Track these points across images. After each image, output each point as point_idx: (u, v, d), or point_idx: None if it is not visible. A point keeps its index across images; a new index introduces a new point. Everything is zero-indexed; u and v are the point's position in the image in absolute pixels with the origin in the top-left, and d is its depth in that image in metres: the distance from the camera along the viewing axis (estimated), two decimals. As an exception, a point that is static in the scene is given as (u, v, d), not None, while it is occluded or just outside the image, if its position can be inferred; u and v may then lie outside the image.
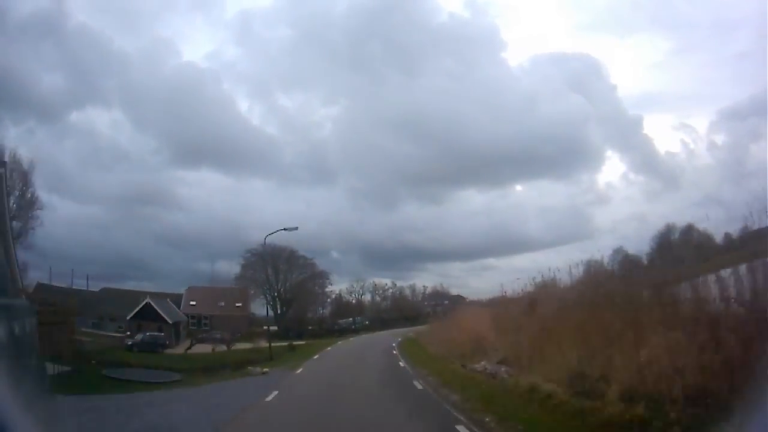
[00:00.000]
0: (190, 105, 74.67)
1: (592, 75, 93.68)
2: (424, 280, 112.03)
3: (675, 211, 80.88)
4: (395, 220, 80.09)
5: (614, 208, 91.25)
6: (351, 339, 47.61)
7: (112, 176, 65.37)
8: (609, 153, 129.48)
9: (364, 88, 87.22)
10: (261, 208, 74.53)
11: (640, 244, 72.83)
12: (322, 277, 58.37)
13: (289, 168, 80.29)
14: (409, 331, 44.30)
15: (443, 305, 61.46)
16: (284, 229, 32.91)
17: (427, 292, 70.67)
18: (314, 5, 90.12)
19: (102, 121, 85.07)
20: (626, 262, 21.37)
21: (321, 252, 73.58)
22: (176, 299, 44.08)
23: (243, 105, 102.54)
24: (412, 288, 68.55)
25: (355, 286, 67.33)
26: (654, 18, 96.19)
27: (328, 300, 62.40)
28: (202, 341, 37.42)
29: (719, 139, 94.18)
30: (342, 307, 64.30)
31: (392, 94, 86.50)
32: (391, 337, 40.51)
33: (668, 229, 51.17)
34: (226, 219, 69.53)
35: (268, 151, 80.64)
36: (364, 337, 48.46)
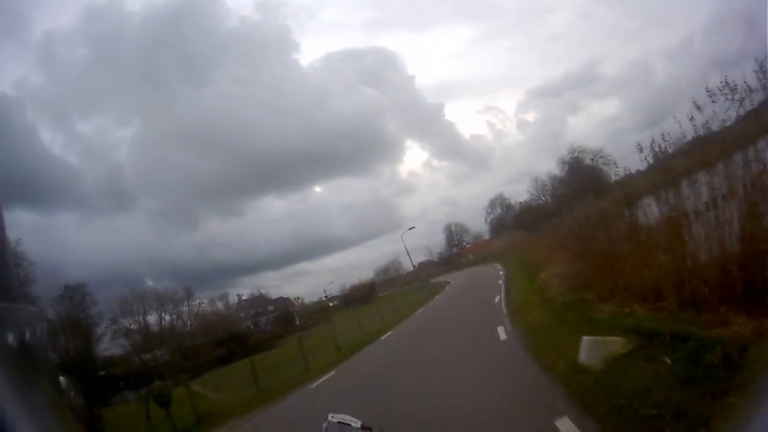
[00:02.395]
0: None
1: (388, 68, 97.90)
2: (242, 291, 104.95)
3: (487, 189, 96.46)
4: (200, 238, 78.47)
5: (421, 196, 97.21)
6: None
7: None
8: (409, 143, 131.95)
9: (156, 104, 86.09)
10: (71, 243, 67.49)
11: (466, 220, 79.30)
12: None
13: (92, 197, 74.77)
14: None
15: (267, 313, 54.67)
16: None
17: (241, 301, 61.16)
18: (109, 21, 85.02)
19: None
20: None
21: (135, 281, 63.50)
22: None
23: (45, 134, 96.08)
24: (225, 298, 59.23)
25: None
26: (455, 9, 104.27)
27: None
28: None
29: (530, 117, 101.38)
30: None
31: (183, 107, 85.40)
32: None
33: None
34: (46, 258, 57.87)
35: (70, 182, 74.93)
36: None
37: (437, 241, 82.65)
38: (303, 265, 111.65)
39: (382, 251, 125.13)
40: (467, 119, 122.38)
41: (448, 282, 48.09)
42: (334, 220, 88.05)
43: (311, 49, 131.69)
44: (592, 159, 60.15)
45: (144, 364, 44.38)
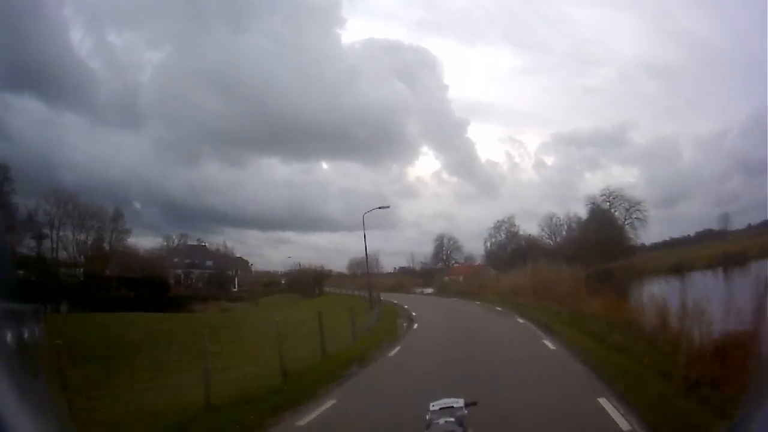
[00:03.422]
0: (26, 26, 62.62)
1: (425, 71, 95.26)
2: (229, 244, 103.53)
3: (487, 216, 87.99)
4: (197, 178, 76.28)
5: (422, 203, 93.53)
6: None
7: None
8: (425, 149, 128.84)
9: (191, 37, 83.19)
10: (71, 145, 68.83)
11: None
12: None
13: (103, 107, 73.53)
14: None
15: (204, 268, 46.55)
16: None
17: (180, 245, 52.71)
18: None
19: None
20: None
21: (124, 201, 64.67)
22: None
23: (75, 34, 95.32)
24: (169, 240, 51.28)
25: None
26: (505, 34, 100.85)
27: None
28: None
29: (549, 160, 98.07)
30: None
31: (216, 48, 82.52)
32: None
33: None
34: (40, 151, 62.60)
35: (86, 86, 74.46)
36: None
37: (423, 252, 79.89)
38: (289, 234, 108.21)
39: (367, 244, 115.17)
40: (488, 144, 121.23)
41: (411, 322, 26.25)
42: (332, 201, 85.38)
43: (355, 30, 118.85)
44: (628, 209, 55.57)
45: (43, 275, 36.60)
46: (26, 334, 2.01)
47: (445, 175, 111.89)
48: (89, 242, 40.97)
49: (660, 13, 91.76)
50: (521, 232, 65.58)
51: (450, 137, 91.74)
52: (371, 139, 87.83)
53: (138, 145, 78.31)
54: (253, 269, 67.48)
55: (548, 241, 61.14)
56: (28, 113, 68.94)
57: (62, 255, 40.92)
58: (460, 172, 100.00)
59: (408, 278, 66.67)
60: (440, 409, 2.58)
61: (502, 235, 66.76)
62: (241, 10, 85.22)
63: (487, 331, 19.75)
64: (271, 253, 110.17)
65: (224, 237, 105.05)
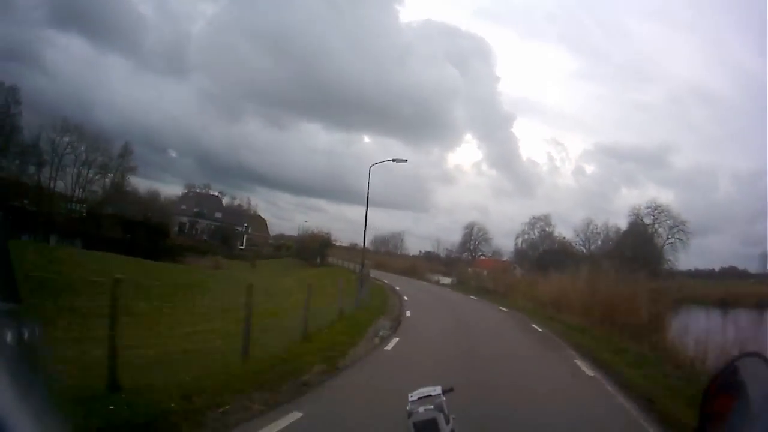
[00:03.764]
0: None
1: (479, 58, 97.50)
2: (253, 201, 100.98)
3: (517, 214, 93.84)
4: (237, 134, 77.69)
5: (458, 191, 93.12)
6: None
7: None
8: (468, 137, 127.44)
9: None
10: (113, 86, 70.95)
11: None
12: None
13: (149, 53, 74.53)
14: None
15: (211, 220, 43.61)
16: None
17: (191, 193, 50.13)
18: None
19: None
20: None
21: (158, 147, 68.02)
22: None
23: None
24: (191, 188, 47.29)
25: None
26: (563, 35, 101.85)
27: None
28: None
29: (589, 168, 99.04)
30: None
31: (271, 6, 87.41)
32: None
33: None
34: (80, 90, 63.83)
35: (134, 31, 76.24)
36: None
37: (451, 240, 77.44)
38: (321, 202, 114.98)
39: (396, 223, 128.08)
40: (531, 142, 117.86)
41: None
42: (369, 176, 77.20)
43: (414, 8, 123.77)
44: (672, 227, 52.90)
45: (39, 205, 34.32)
46: (26, 335, 2.03)
47: (484, 167, 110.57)
48: (88, 176, 38.37)
49: (718, 40, 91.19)
50: (556, 234, 60.86)
51: (495, 129, 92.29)
52: (416, 118, 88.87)
53: (180, 94, 79.66)
54: (270, 230, 66.70)
55: (581, 248, 57.16)
56: (72, 51, 73.04)
57: (61, 187, 38.52)
58: (500, 166, 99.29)
59: (429, 264, 62.85)
60: (419, 398, 2.62)
61: (536, 234, 62.07)
62: None
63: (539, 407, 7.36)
64: (300, 218, 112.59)
65: (255, 196, 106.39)
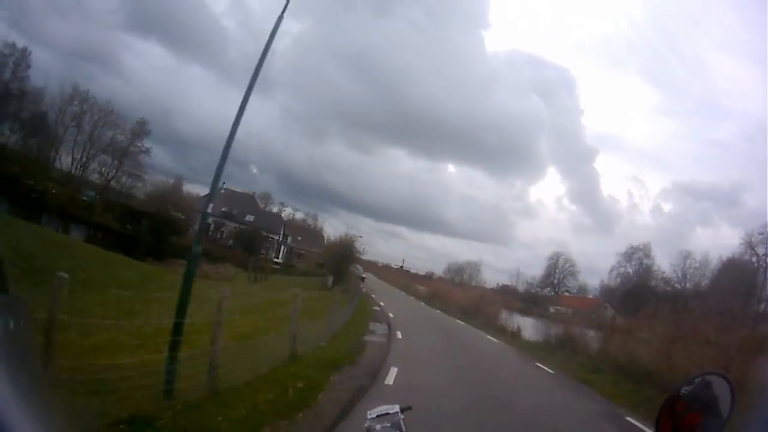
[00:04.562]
0: None
1: (564, 89, 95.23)
2: (334, 224, 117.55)
3: (597, 253, 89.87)
4: (320, 154, 79.28)
5: (538, 226, 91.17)
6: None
7: (66, 24, 60.30)
8: (551, 170, 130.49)
9: (333, 13, 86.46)
10: (193, 96, 73.54)
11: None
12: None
13: (231, 66, 75.55)
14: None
15: (238, 221, 36.74)
16: None
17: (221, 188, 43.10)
18: None
19: None
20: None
21: (240, 162, 61.23)
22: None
23: None
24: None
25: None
26: (646, 69, 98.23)
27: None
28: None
29: (666, 206, 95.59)
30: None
31: (356, 28, 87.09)
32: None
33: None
34: (162, 98, 66.50)
35: (218, 44, 78.53)
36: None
37: (530, 274, 68.55)
38: (402, 229, 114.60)
39: (475, 255, 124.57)
40: (612, 178, 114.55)
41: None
42: (452, 205, 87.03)
43: (499, 37, 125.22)
44: None
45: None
46: (11, 325, 1.97)
47: (565, 202, 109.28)
48: (90, 152, 32.81)
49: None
50: (655, 268, 49.84)
51: (578, 163, 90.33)
52: (501, 149, 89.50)
53: (264, 110, 78.44)
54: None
55: (676, 284, 47.48)
56: (151, 57, 74.00)
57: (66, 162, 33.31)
58: (580, 201, 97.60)
59: (504, 298, 52.64)
60: (377, 416, 2.75)
61: (632, 267, 50.91)
62: None
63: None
64: (381, 244, 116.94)
65: (337, 219, 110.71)
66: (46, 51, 68.31)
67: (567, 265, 58.48)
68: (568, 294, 58.25)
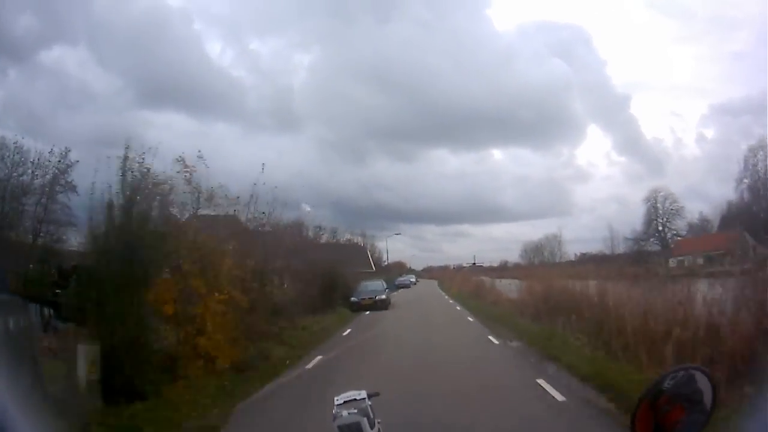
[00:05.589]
0: (157, 43, 70.92)
1: (581, 46, 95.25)
2: (398, 240, 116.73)
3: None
4: (366, 175, 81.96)
5: (594, 186, 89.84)
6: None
7: (80, 117, 57.30)
8: (592, 128, 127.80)
9: (337, 34, 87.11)
10: (228, 153, 72.59)
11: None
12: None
13: (255, 113, 79.72)
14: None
15: None
16: None
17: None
18: None
19: (69, 60, 67.33)
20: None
21: (291, 204, 54.00)
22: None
23: (214, 47, 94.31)
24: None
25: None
26: (652, 2, 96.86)
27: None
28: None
29: (709, 133, 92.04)
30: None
31: (364, 41, 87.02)
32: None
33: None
34: (197, 163, 44.00)
35: (234, 96, 78.44)
36: None
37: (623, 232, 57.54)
38: (466, 227, 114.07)
39: (544, 231, 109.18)
40: (650, 119, 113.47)
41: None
42: (507, 190, 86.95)
43: (505, 12, 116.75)
44: None
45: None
46: (11, 324, 2.08)
47: (614, 155, 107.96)
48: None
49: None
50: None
51: (615, 114, 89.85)
52: (538, 121, 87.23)
53: (299, 147, 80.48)
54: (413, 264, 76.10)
55: None
56: (175, 127, 72.79)
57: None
58: (627, 150, 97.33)
59: (599, 268, 40.65)
60: (344, 402, 2.76)
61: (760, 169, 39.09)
62: (388, 2, 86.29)
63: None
64: (449, 247, 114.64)
65: (402, 234, 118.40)
66: (72, 148, 67.92)
67: (669, 204, 47.46)
68: (679, 238, 46.39)
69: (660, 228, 47.52)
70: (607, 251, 48.57)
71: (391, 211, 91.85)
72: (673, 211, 47.71)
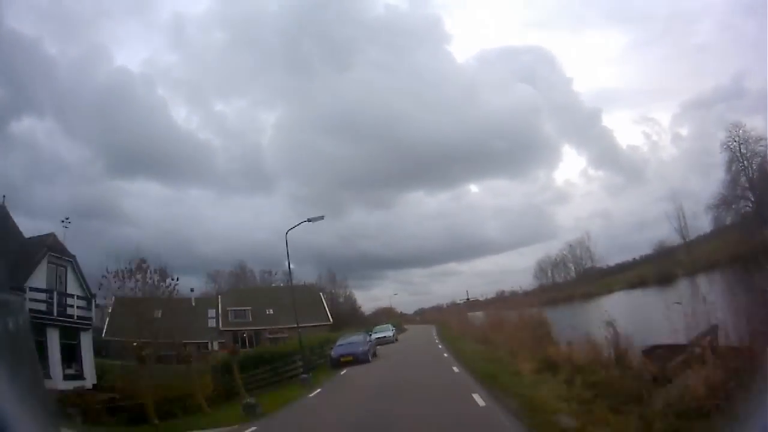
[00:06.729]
0: (122, 111, 72.52)
1: (545, 67, 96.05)
2: (385, 288, 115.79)
3: (641, 206, 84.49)
4: (345, 227, 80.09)
5: (575, 206, 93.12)
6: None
7: (54, 189, 62.28)
8: (566, 148, 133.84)
9: (299, 88, 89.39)
10: (205, 218, 72.75)
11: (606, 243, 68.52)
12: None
13: (226, 175, 79.66)
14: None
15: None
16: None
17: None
18: (246, 6, 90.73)
19: (36, 131, 74.00)
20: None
21: (275, 263, 63.74)
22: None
23: (179, 111, 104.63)
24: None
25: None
26: (608, 13, 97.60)
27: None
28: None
29: (684, 131, 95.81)
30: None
31: (326, 92, 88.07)
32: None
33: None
34: (173, 231, 66.87)
35: (204, 159, 79.88)
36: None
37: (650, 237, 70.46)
38: (452, 266, 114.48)
39: (533, 259, 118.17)
40: (623, 128, 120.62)
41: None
42: (487, 222, 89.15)
43: (464, 43, 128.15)
44: None
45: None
46: (10, 324, 1.96)
47: (591, 171, 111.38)
48: None
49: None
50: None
51: (587, 129, 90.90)
52: (511, 149, 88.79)
53: (274, 206, 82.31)
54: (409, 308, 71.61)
55: None
56: (148, 195, 77.13)
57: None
58: (605, 164, 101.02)
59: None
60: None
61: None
62: (336, 49, 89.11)
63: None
64: (438, 288, 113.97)
65: (389, 280, 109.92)
66: (45, 222, 67.92)
67: (753, 143, 40.33)
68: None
69: (750, 176, 38.45)
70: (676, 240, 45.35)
71: (374, 259, 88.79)
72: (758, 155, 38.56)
